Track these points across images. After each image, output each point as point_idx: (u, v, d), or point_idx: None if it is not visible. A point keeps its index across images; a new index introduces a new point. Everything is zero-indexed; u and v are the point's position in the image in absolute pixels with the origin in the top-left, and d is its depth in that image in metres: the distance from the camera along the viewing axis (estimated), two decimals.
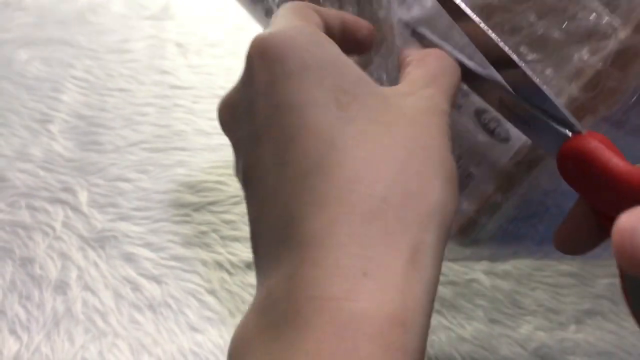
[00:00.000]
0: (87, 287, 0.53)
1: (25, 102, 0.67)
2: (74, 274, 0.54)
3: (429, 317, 0.21)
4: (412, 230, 0.22)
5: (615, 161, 0.22)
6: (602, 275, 0.53)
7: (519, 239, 0.34)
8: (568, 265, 0.53)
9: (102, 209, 0.58)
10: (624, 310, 0.51)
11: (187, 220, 0.57)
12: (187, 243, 0.56)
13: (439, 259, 0.22)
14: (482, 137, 0.29)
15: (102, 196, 0.59)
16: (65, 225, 0.57)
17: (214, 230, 0.57)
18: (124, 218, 0.58)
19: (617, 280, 0.52)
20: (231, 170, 0.61)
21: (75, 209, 0.58)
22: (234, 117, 0.27)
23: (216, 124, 0.65)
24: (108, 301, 0.52)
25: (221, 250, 0.55)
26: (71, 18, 0.75)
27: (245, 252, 0.55)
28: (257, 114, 0.25)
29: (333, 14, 0.30)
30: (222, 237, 0.56)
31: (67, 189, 0.60)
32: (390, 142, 0.23)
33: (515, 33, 0.28)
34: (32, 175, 0.61)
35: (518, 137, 0.28)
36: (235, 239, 0.56)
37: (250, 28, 0.75)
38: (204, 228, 0.57)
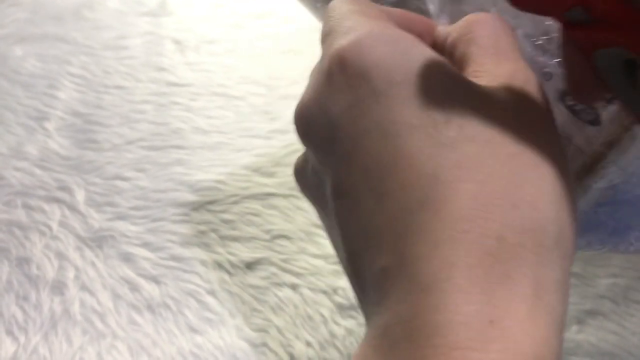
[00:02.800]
0: (84, 288, 0.52)
1: (21, 99, 0.66)
2: (71, 274, 0.53)
3: (560, 356, 0.20)
4: (534, 269, 0.20)
5: None
6: (604, 275, 0.52)
7: (595, 227, 0.33)
8: None
9: (99, 208, 0.57)
10: (625, 310, 0.50)
11: (186, 220, 0.57)
12: (186, 243, 0.55)
13: (565, 293, 0.21)
14: (568, 118, 0.27)
15: (100, 195, 0.58)
16: (62, 224, 0.56)
17: (213, 230, 0.56)
18: (121, 217, 0.57)
19: (618, 280, 0.52)
20: (230, 169, 0.61)
21: (72, 208, 0.57)
22: (313, 130, 0.24)
23: (214, 121, 0.65)
24: (106, 302, 0.52)
25: (220, 250, 0.55)
26: (67, 14, 0.74)
27: (244, 252, 0.55)
28: (341, 137, 0.23)
29: (394, 10, 0.27)
30: (222, 237, 0.56)
31: (64, 188, 0.59)
32: (499, 167, 0.21)
33: None
34: (28, 174, 0.60)
35: (609, 119, 0.27)
36: (235, 239, 0.56)
37: (247, 25, 0.75)
38: (202, 228, 0.56)
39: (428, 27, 0.28)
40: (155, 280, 0.53)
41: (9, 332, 0.50)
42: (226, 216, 0.57)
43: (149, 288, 0.52)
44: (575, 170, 0.29)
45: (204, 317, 0.51)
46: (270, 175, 0.60)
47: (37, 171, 0.60)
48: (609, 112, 0.27)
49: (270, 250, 0.55)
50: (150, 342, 0.50)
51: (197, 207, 0.58)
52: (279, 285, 0.53)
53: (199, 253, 0.55)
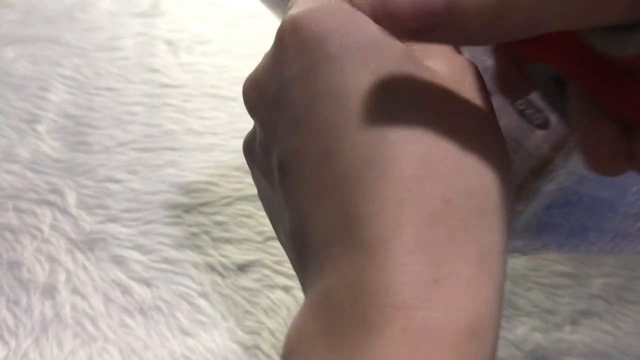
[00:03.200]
0: (76, 291, 0.52)
1: (12, 101, 0.66)
2: (62, 277, 0.53)
3: (499, 324, 0.20)
4: (478, 231, 0.20)
5: None
6: (598, 275, 0.52)
7: (550, 229, 0.33)
8: (563, 265, 0.53)
9: (90, 210, 0.57)
10: (619, 310, 0.50)
11: (178, 222, 0.57)
12: (178, 245, 0.55)
13: (504, 258, 0.21)
14: (518, 123, 0.27)
15: (91, 197, 0.58)
16: (53, 227, 0.56)
17: (205, 232, 0.56)
18: (113, 220, 0.57)
19: (612, 280, 0.52)
20: (222, 171, 0.60)
21: (64, 211, 0.57)
22: (263, 99, 0.25)
23: (207, 123, 0.65)
24: (97, 305, 0.51)
25: (213, 252, 0.55)
26: (58, 15, 0.74)
27: (237, 253, 0.54)
28: (293, 101, 0.23)
29: None
30: (214, 239, 0.55)
31: (55, 191, 0.59)
32: (445, 132, 0.21)
33: None
34: (19, 177, 0.60)
35: (557, 122, 0.27)
36: (227, 241, 0.55)
37: (241, 25, 0.75)
38: (195, 230, 0.56)
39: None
40: (147, 283, 0.53)
41: (0, 337, 0.50)
42: (218, 218, 0.57)
43: (140, 291, 0.52)
44: (525, 173, 0.29)
45: (196, 319, 0.51)
46: None
47: (29, 174, 0.60)
48: (556, 115, 0.27)
49: (263, 252, 0.55)
50: (142, 345, 0.49)
51: (189, 209, 0.57)
52: (272, 287, 0.53)
53: (191, 255, 0.54)
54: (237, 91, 0.67)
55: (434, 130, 0.21)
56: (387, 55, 0.22)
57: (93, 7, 0.75)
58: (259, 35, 0.73)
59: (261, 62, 0.25)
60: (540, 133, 0.28)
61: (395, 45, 0.23)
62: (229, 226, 0.56)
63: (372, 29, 0.23)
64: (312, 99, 0.22)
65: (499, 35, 0.19)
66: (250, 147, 0.28)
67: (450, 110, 0.22)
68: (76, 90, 0.67)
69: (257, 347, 0.49)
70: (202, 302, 0.52)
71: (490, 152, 0.22)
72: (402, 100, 0.22)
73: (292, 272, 0.53)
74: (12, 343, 0.49)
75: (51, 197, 0.58)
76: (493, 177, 0.21)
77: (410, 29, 0.19)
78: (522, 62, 0.23)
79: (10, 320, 0.50)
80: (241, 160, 0.61)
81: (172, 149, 0.62)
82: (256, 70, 0.25)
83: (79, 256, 0.54)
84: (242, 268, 0.54)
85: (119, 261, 0.54)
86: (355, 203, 0.21)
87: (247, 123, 0.66)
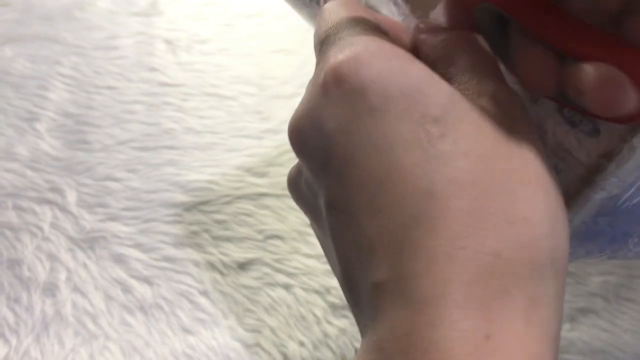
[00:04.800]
0: (76, 289, 0.52)
1: (11, 100, 0.66)
2: (63, 275, 0.53)
3: None
4: (530, 284, 0.20)
5: None
6: (596, 274, 0.53)
7: (594, 236, 0.33)
8: None
9: (91, 209, 0.57)
10: (617, 308, 0.51)
11: (178, 220, 0.57)
12: (178, 243, 0.55)
13: (559, 307, 0.21)
14: (567, 131, 0.27)
15: (91, 196, 0.58)
16: (53, 225, 0.56)
17: (206, 230, 0.56)
18: (113, 218, 0.57)
19: (610, 278, 0.52)
20: (222, 169, 0.60)
21: (64, 209, 0.57)
22: (306, 144, 0.24)
23: (206, 122, 0.65)
24: (98, 303, 0.51)
25: (213, 250, 0.55)
26: (57, 14, 0.74)
27: (237, 252, 0.55)
28: (336, 152, 0.23)
29: (383, 18, 0.27)
30: (214, 237, 0.56)
31: (55, 189, 0.59)
32: (493, 183, 0.21)
33: None
34: (19, 175, 0.60)
35: (607, 130, 0.27)
36: (227, 239, 0.55)
37: (238, 24, 0.75)
38: (195, 228, 0.56)
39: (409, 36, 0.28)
40: (147, 281, 0.53)
41: (1, 335, 0.50)
42: (219, 216, 0.57)
43: (141, 289, 0.52)
44: (575, 182, 0.29)
45: (196, 317, 0.51)
46: (263, 175, 0.60)
47: (28, 172, 0.60)
48: (606, 123, 0.26)
49: (263, 250, 0.55)
50: (142, 343, 0.49)
51: (189, 207, 0.57)
52: (272, 285, 0.53)
53: (191, 254, 0.54)
54: (236, 90, 0.68)
55: (482, 181, 0.21)
56: (431, 101, 0.22)
57: (91, 6, 0.75)
58: (255, 34, 0.73)
59: (304, 106, 0.25)
60: (589, 141, 0.27)
61: (439, 88, 0.23)
62: (229, 224, 0.56)
63: (414, 73, 0.23)
64: (355, 151, 0.22)
65: None
66: (296, 182, 0.27)
67: (498, 155, 0.22)
68: (75, 88, 0.67)
69: (258, 344, 0.49)
70: (202, 300, 0.52)
71: (542, 200, 0.22)
72: (447, 149, 0.21)
73: (293, 270, 0.53)
74: (13, 341, 0.49)
75: (51, 196, 0.58)
76: (545, 228, 0.21)
77: None
78: (467, 5, 0.24)
79: (11, 319, 0.50)
80: (241, 159, 0.62)
81: (171, 147, 0.62)
82: (299, 115, 0.25)
83: (80, 254, 0.54)
84: (243, 266, 0.54)
85: (119, 259, 0.54)
86: (404, 259, 0.21)
87: (245, 122, 0.66)
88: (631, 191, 0.29)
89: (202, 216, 0.57)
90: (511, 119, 0.23)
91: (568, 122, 0.28)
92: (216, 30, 0.73)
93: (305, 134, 0.24)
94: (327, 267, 0.53)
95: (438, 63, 0.25)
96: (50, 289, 0.52)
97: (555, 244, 0.21)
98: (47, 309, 0.51)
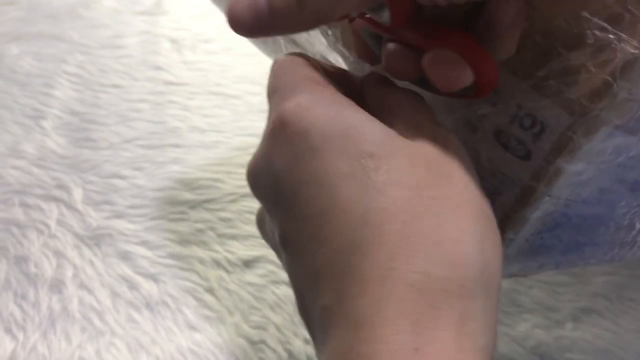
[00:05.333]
0: (83, 286, 0.52)
1: (17, 97, 0.66)
2: (69, 272, 0.53)
3: None
4: (459, 299, 0.22)
5: None
6: (599, 273, 0.53)
7: (544, 250, 0.34)
8: None
9: (97, 206, 0.57)
10: (620, 308, 0.51)
11: (184, 218, 0.57)
12: (184, 241, 0.55)
13: (491, 322, 0.23)
14: (503, 155, 0.29)
15: (97, 193, 0.58)
16: (60, 223, 0.56)
17: (211, 228, 0.56)
18: (119, 216, 0.57)
19: (613, 278, 0.53)
20: (227, 168, 0.61)
21: (70, 207, 0.57)
22: (261, 186, 0.27)
23: (211, 120, 0.65)
24: (105, 300, 0.52)
25: (218, 248, 0.55)
26: (62, 13, 0.74)
27: (242, 249, 0.55)
28: (284, 190, 0.25)
29: (327, 66, 0.31)
30: (219, 235, 0.56)
31: (61, 186, 0.59)
32: (422, 209, 0.23)
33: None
34: (25, 172, 0.60)
35: (538, 153, 0.29)
36: (233, 237, 0.56)
37: None
38: (200, 226, 0.56)
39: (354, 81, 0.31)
40: (153, 278, 0.53)
41: (8, 331, 0.50)
42: (224, 214, 0.57)
43: (147, 286, 0.53)
44: (513, 203, 0.30)
45: (202, 314, 0.51)
46: None
47: (35, 170, 0.60)
48: (537, 147, 0.28)
49: (268, 248, 0.54)
50: (149, 340, 0.50)
51: (194, 205, 0.58)
52: (277, 283, 0.53)
53: (196, 251, 0.55)
54: (240, 89, 0.68)
55: (412, 207, 0.23)
56: (366, 139, 0.24)
57: (96, 4, 0.76)
58: None
59: (258, 150, 0.27)
60: (522, 164, 0.29)
61: (374, 128, 0.25)
62: (234, 222, 0.57)
63: (351, 116, 0.25)
64: (300, 188, 0.24)
65: (306, 24, 0.26)
66: (261, 221, 0.30)
67: (429, 184, 0.24)
68: (81, 87, 0.67)
69: (263, 342, 0.50)
70: (208, 298, 0.52)
71: (470, 222, 0.23)
72: (381, 180, 0.23)
73: None
74: (21, 337, 0.49)
75: (57, 193, 0.58)
76: (474, 247, 0.23)
77: (249, 29, 0.26)
78: (358, 29, 0.30)
79: (18, 315, 0.51)
80: (246, 157, 0.62)
81: (176, 145, 0.62)
82: (254, 158, 0.27)
83: (86, 251, 0.54)
84: (248, 264, 0.54)
85: (125, 256, 0.54)
86: (344, 284, 0.23)
87: (250, 121, 0.67)
88: (571, 205, 0.31)
89: (207, 214, 0.57)
90: (442, 150, 0.25)
91: (503, 147, 0.30)
92: (220, 30, 0.74)
93: (259, 175, 0.27)
94: None
95: (377, 107, 0.28)
96: (56, 286, 0.52)
97: (485, 262, 0.23)
98: (54, 305, 0.51)
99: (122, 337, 0.50)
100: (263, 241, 0.55)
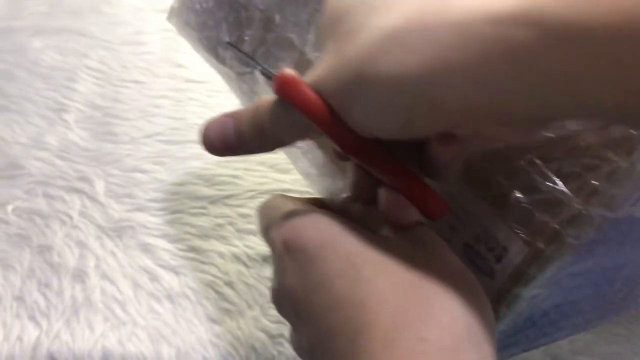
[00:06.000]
0: (105, 276, 0.53)
1: (40, 90, 0.67)
2: (92, 262, 0.54)
3: None
4: (452, 355, 0.25)
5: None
6: None
7: (514, 345, 0.38)
8: None
9: (118, 199, 0.58)
10: (632, 314, 0.52)
11: (204, 213, 0.58)
12: (204, 235, 0.56)
13: None
14: (470, 269, 0.31)
15: (119, 186, 0.59)
16: (82, 214, 0.57)
17: (230, 223, 0.57)
18: (140, 209, 0.58)
19: None
20: (246, 165, 0.62)
21: (92, 199, 0.58)
22: (282, 303, 0.31)
23: None
24: (126, 290, 0.52)
25: (238, 243, 0.56)
26: (84, 8, 0.75)
27: (261, 245, 0.56)
28: (299, 299, 0.29)
29: (309, 198, 0.36)
30: (238, 230, 0.57)
31: (84, 178, 0.60)
32: (410, 288, 0.27)
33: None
34: (48, 164, 0.61)
35: (500, 274, 0.32)
36: (251, 233, 0.57)
37: None
38: (220, 221, 0.57)
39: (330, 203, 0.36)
40: (174, 270, 0.54)
41: (32, 318, 0.51)
42: (243, 210, 0.58)
43: (168, 278, 0.53)
44: None
45: (222, 307, 0.52)
46: (286, 171, 0.61)
47: (57, 161, 0.61)
48: (499, 268, 0.32)
49: None
50: (170, 331, 0.50)
51: (214, 200, 0.59)
52: None
53: (216, 245, 0.56)
54: None
55: (402, 288, 0.27)
56: (352, 242, 0.28)
57: (117, 1, 0.76)
58: None
59: (274, 276, 0.31)
60: (487, 281, 0.32)
61: (358, 234, 0.29)
62: (253, 218, 0.57)
63: (337, 227, 0.29)
64: (307, 291, 0.28)
65: (267, 149, 0.31)
66: (292, 339, 0.33)
67: (413, 271, 0.27)
68: (103, 81, 0.68)
69: (282, 335, 0.50)
70: (228, 291, 0.53)
71: (454, 288, 0.27)
72: (369, 272, 0.27)
73: None
74: (44, 324, 0.50)
75: (80, 185, 0.59)
76: (460, 310, 0.26)
77: (220, 151, 0.31)
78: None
79: (42, 303, 0.51)
80: (264, 155, 0.63)
81: (196, 142, 0.63)
82: (273, 284, 0.32)
83: (108, 243, 0.55)
84: (267, 259, 0.55)
85: (146, 249, 0.55)
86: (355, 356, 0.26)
87: None
88: (538, 303, 0.33)
89: (227, 209, 0.58)
90: (420, 237, 0.30)
91: (470, 261, 0.33)
92: None
93: (279, 295, 0.31)
94: None
95: (360, 220, 0.32)
96: (79, 275, 0.53)
97: (471, 321, 0.26)
98: (77, 295, 0.52)
99: (144, 327, 0.50)
100: None
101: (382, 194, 0.30)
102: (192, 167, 0.61)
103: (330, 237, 0.29)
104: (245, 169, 0.61)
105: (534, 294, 0.32)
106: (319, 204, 0.35)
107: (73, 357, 0.49)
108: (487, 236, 0.32)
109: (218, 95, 0.67)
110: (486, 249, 0.33)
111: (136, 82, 0.68)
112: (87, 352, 0.49)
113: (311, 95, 0.28)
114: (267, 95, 0.41)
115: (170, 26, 0.75)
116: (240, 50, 0.44)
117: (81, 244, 0.55)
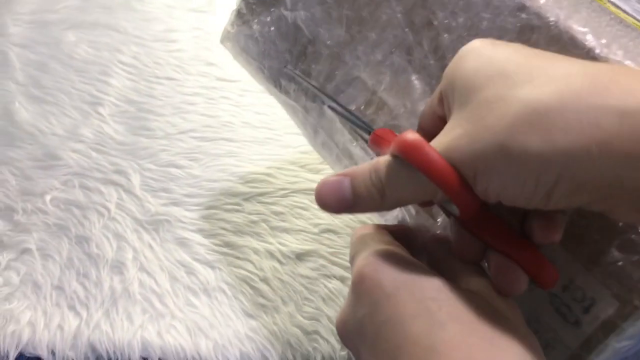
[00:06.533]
0: (142, 269, 0.54)
1: (75, 83, 0.67)
2: (129, 255, 0.55)
3: None
4: None
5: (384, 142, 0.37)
6: None
7: None
8: None
9: (154, 193, 0.59)
10: None
11: (238, 209, 0.58)
12: (239, 231, 0.57)
13: None
14: (555, 317, 0.34)
15: (155, 180, 0.60)
16: (119, 207, 0.58)
17: (264, 221, 0.58)
18: (176, 203, 0.58)
19: None
20: (278, 164, 0.62)
21: (129, 192, 0.59)
22: (348, 331, 0.32)
23: (262, 117, 0.67)
24: (164, 283, 0.53)
25: (272, 240, 0.56)
26: (116, 4, 0.76)
27: (294, 243, 0.56)
28: (367, 331, 0.30)
29: (391, 226, 0.37)
30: (272, 228, 0.57)
31: (120, 172, 0.60)
32: (480, 341, 0.28)
33: None
34: (84, 156, 0.61)
35: (587, 324, 0.33)
36: (285, 230, 0.57)
37: None
38: (254, 218, 0.58)
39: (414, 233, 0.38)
40: (210, 265, 0.55)
41: (71, 307, 0.51)
42: (276, 208, 0.59)
43: (204, 272, 0.54)
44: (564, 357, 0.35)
45: (258, 303, 0.53)
46: (317, 171, 0.62)
47: (93, 154, 0.61)
48: (586, 319, 0.33)
49: (319, 243, 0.57)
50: (207, 324, 0.51)
51: (248, 197, 0.59)
52: (328, 277, 0.55)
53: (251, 242, 0.56)
54: None
55: (472, 340, 0.28)
56: (428, 286, 0.30)
57: None
58: None
59: (345, 304, 0.33)
60: (573, 330, 0.33)
61: (433, 278, 0.30)
62: (286, 216, 0.58)
63: (415, 269, 0.31)
64: (380, 327, 0.29)
65: (385, 209, 0.32)
66: None
67: (484, 323, 0.28)
68: (136, 77, 0.68)
69: (317, 332, 0.51)
70: (263, 287, 0.53)
71: (520, 352, 0.28)
72: (443, 317, 0.28)
73: (347, 264, 0.55)
74: (84, 314, 0.51)
75: (116, 178, 0.60)
76: None
77: (336, 210, 0.32)
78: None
79: (81, 293, 0.52)
80: (296, 155, 0.64)
81: (229, 140, 0.64)
82: (342, 312, 0.33)
83: (145, 236, 0.56)
84: (300, 257, 0.56)
85: (182, 243, 0.56)
86: None
87: None
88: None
89: (260, 207, 0.59)
90: (493, 294, 0.31)
91: (556, 310, 0.34)
92: None
93: (346, 323, 0.32)
94: None
95: (439, 261, 0.34)
96: (117, 267, 0.54)
97: None
98: (116, 286, 0.52)
99: (182, 320, 0.51)
100: (314, 236, 0.57)
101: (494, 259, 0.31)
102: (225, 164, 0.62)
103: (408, 278, 0.30)
104: (278, 168, 0.62)
105: (623, 345, 0.33)
106: (404, 232, 0.37)
107: (113, 347, 0.49)
108: (573, 287, 0.33)
109: (249, 95, 0.68)
110: (573, 300, 0.34)
111: (169, 78, 0.68)
112: (127, 342, 0.49)
113: (440, 161, 0.29)
114: (337, 133, 0.43)
115: (201, 24, 0.76)
116: (313, 86, 0.44)
117: (119, 236, 0.56)
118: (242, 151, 0.63)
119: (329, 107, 0.43)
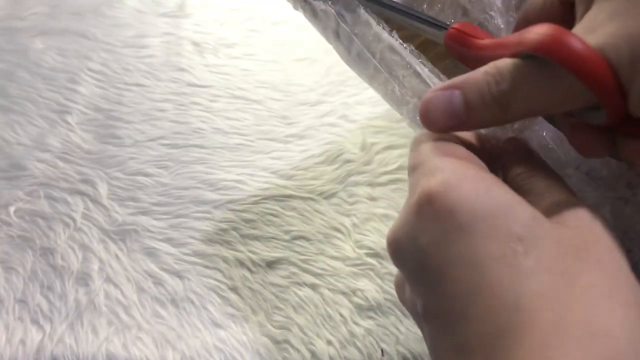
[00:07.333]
0: (109, 280, 0.53)
1: (42, 91, 0.66)
2: (95, 265, 0.54)
3: None
4: None
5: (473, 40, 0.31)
6: None
7: None
8: None
9: (122, 202, 0.58)
10: None
11: (207, 217, 0.58)
12: (208, 240, 0.56)
13: None
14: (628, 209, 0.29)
15: (122, 189, 0.59)
16: (85, 217, 0.57)
17: (234, 228, 0.57)
18: (144, 212, 0.57)
19: None
20: (250, 170, 0.62)
21: (95, 201, 0.58)
22: (404, 256, 0.27)
23: (234, 123, 0.66)
24: (131, 294, 0.52)
25: (242, 248, 0.56)
26: (86, 10, 0.75)
27: (265, 251, 0.56)
28: (429, 265, 0.25)
29: (464, 144, 0.30)
30: (242, 236, 0.57)
31: (87, 181, 0.59)
32: (573, 298, 0.23)
33: None
34: (50, 166, 0.60)
35: None
36: (255, 238, 0.56)
37: (263, 30, 0.76)
38: (224, 225, 0.57)
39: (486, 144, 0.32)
40: (178, 275, 0.54)
41: (34, 321, 0.50)
42: (247, 215, 0.58)
43: (172, 282, 0.53)
44: None
45: (227, 312, 0.52)
46: (289, 177, 0.61)
47: (60, 163, 0.60)
48: None
49: (290, 250, 0.56)
50: (175, 336, 0.50)
51: (218, 205, 0.58)
52: (299, 284, 0.54)
53: (220, 250, 0.55)
54: (262, 94, 0.69)
55: (564, 295, 0.23)
56: (515, 221, 0.24)
57: (119, 4, 0.76)
58: (280, 41, 0.74)
59: (401, 221, 0.27)
60: None
61: (522, 210, 0.25)
62: (257, 224, 0.57)
63: (499, 196, 0.25)
64: (448, 266, 0.24)
65: (506, 122, 0.27)
66: (401, 286, 0.30)
67: (578, 271, 0.23)
68: (105, 84, 0.68)
69: (287, 341, 0.50)
70: (232, 296, 0.53)
71: (622, 314, 0.22)
72: (531, 265, 0.23)
73: (319, 271, 0.54)
74: (48, 328, 0.50)
75: (83, 187, 0.59)
76: (627, 342, 0.22)
77: (446, 127, 0.27)
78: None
79: (45, 306, 0.51)
80: (267, 161, 0.63)
81: (200, 146, 0.63)
82: (396, 229, 0.27)
83: (112, 246, 0.55)
84: (270, 265, 0.55)
85: (150, 253, 0.55)
86: None
87: (271, 126, 0.67)
88: None
89: (230, 214, 0.58)
90: (590, 233, 0.25)
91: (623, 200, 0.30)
92: (242, 35, 0.75)
93: (402, 246, 0.27)
94: (353, 269, 0.54)
95: (520, 182, 0.28)
96: (83, 279, 0.53)
97: (636, 356, 0.22)
98: (81, 298, 0.51)
99: (149, 331, 0.50)
100: (285, 243, 0.56)
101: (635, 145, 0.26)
102: (195, 171, 0.61)
103: (490, 209, 0.24)
104: (249, 175, 0.61)
105: None
106: (475, 143, 0.30)
107: None
108: None
109: (220, 100, 0.67)
110: None
111: (138, 85, 0.68)
112: (91, 355, 0.48)
113: (597, 59, 0.24)
114: (374, 41, 0.36)
115: (172, 29, 0.75)
116: None
117: (84, 247, 0.55)
118: (213, 158, 0.62)
119: (364, 9, 0.37)
